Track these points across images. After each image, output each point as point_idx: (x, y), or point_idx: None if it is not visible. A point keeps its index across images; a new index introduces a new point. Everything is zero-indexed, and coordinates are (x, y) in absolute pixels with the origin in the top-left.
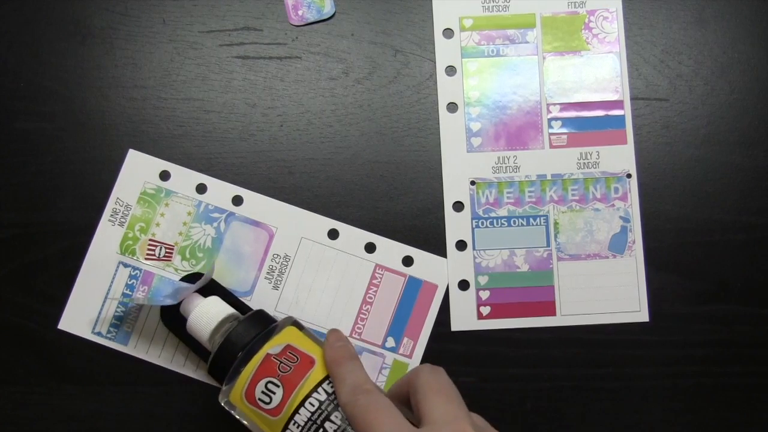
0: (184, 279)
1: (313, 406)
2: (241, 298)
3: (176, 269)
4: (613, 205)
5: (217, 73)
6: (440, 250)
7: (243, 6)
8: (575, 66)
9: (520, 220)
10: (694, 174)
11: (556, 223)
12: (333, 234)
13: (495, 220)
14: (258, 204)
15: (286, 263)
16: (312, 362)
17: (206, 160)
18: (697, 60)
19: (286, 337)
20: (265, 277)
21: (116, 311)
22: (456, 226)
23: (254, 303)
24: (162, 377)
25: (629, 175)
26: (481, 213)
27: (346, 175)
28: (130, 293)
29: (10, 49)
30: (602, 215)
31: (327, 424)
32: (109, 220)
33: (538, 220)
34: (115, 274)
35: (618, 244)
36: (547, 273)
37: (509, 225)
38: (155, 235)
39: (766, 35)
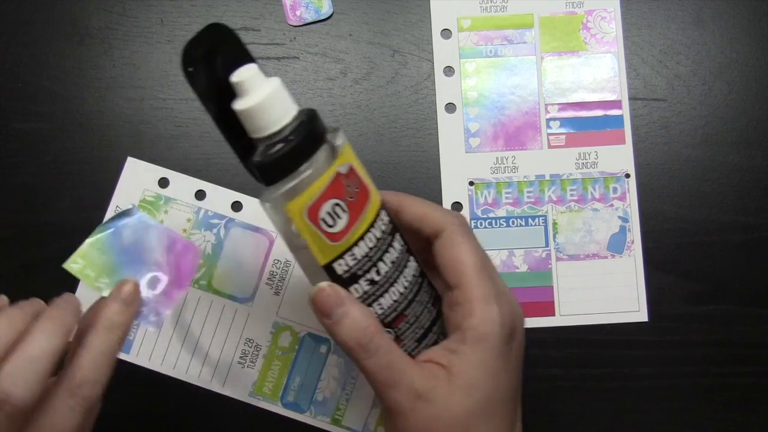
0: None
1: (371, 241)
2: (242, 305)
3: None
4: (611, 205)
5: None
6: None
7: (241, 6)
8: (573, 66)
9: (519, 220)
10: (693, 174)
11: (554, 224)
12: None
13: (494, 221)
14: (258, 209)
15: (286, 269)
16: (368, 192)
17: (204, 161)
18: (695, 60)
19: (349, 155)
20: (266, 283)
21: None
22: None
23: (255, 309)
24: (160, 378)
25: (628, 175)
26: (479, 213)
27: None
28: None
29: (8, 50)
30: (601, 215)
31: (380, 264)
32: None
33: (536, 220)
34: None
35: (617, 244)
36: (546, 273)
37: (508, 225)
38: None
39: (764, 35)
